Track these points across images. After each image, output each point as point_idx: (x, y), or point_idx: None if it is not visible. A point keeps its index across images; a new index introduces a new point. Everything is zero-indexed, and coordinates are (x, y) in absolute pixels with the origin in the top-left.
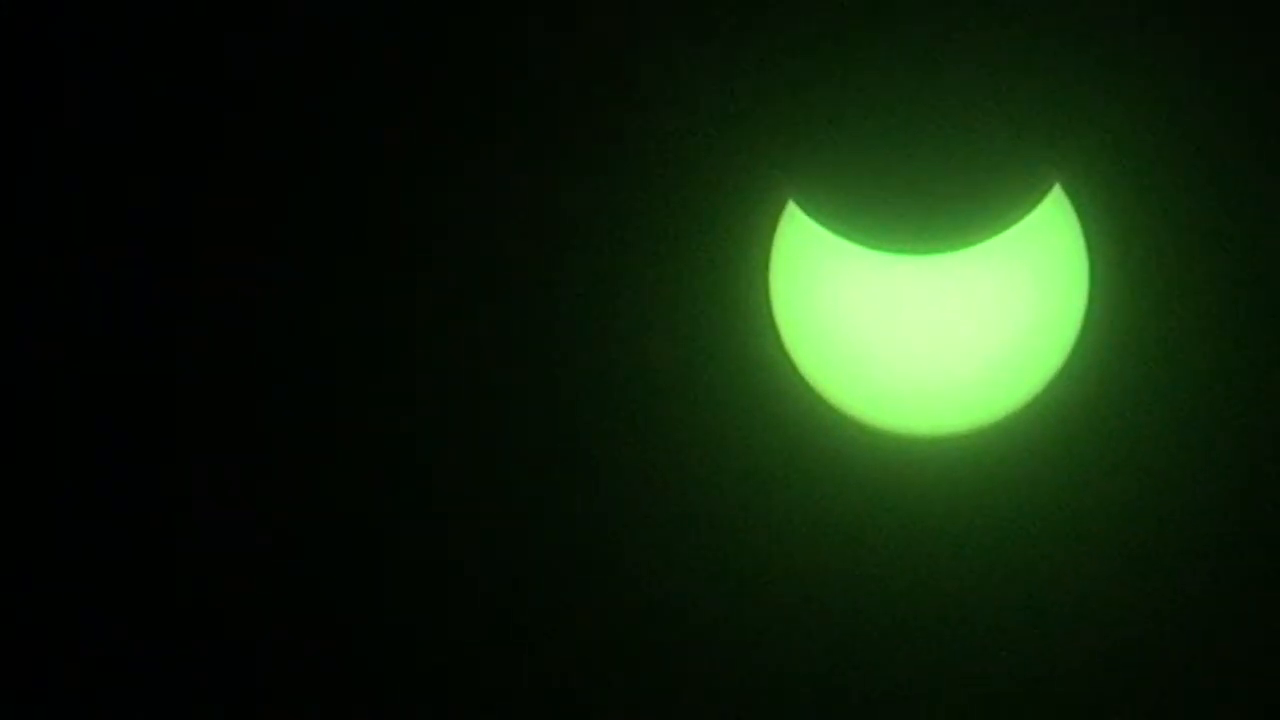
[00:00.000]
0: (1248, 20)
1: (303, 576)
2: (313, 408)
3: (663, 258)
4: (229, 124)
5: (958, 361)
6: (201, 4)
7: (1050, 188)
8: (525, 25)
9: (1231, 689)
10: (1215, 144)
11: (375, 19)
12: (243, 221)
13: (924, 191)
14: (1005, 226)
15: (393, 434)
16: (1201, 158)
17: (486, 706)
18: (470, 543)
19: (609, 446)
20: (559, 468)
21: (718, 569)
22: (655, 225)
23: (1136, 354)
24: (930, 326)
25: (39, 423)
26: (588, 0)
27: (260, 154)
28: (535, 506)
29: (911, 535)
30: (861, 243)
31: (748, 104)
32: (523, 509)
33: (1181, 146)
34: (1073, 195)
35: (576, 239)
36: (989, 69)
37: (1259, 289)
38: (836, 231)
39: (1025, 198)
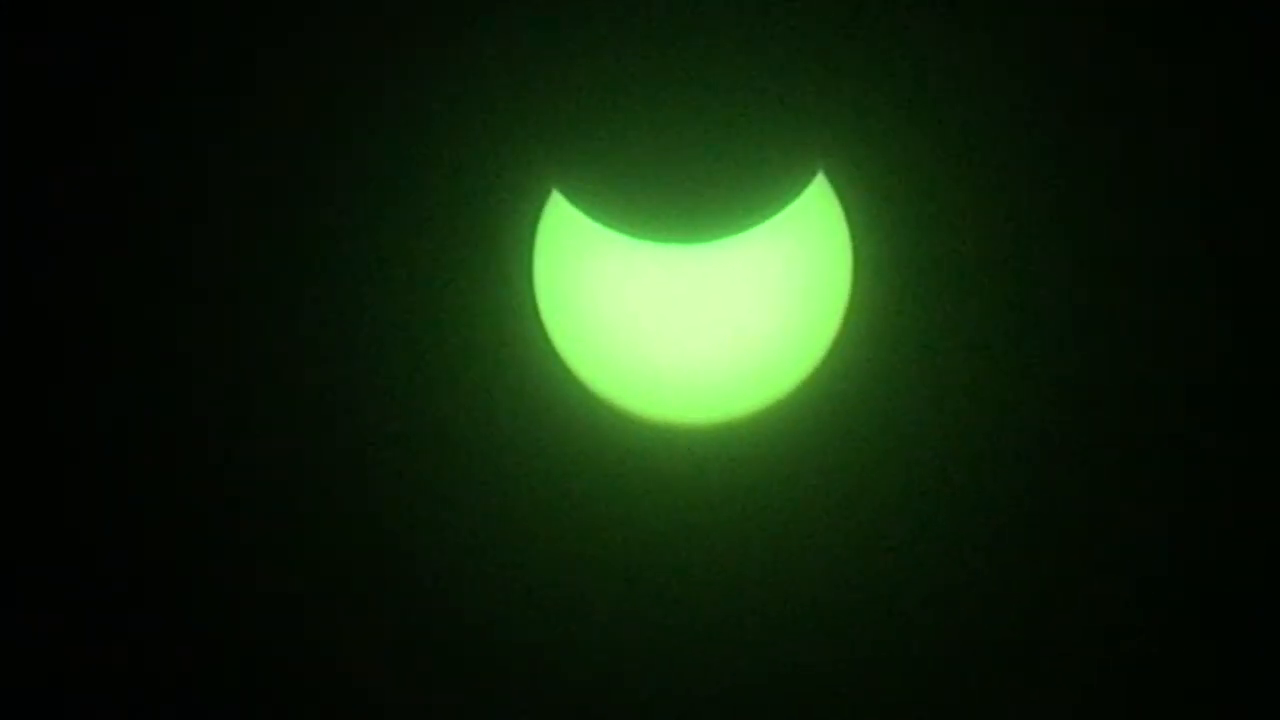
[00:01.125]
0: (1004, 7)
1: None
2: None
3: (426, 247)
4: None
5: (723, 350)
6: None
7: (813, 175)
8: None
9: (992, 672)
10: (976, 130)
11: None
12: None
13: (688, 180)
14: (769, 215)
15: (146, 441)
16: (962, 144)
17: (267, 706)
18: (231, 542)
19: (372, 438)
20: (321, 460)
21: (482, 560)
22: (419, 214)
23: (900, 339)
24: (695, 315)
25: None
26: None
27: None
28: (297, 501)
29: (679, 525)
30: (626, 232)
31: (510, 93)
32: (286, 505)
33: (942, 132)
34: (835, 182)
35: (338, 227)
36: (751, 57)
37: (1021, 274)
38: (601, 221)
39: (789, 186)
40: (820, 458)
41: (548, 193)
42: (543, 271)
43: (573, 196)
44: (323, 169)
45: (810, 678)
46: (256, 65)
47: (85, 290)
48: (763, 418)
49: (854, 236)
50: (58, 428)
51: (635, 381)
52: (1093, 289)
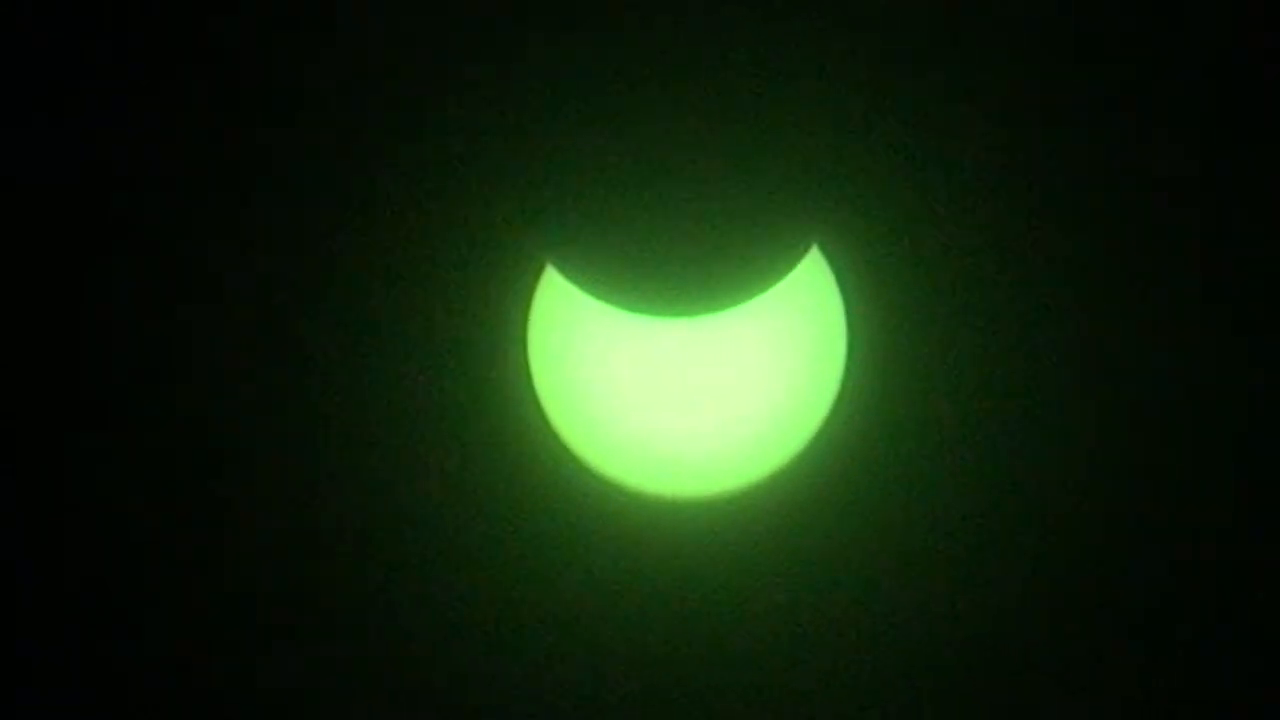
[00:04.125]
0: (996, 85)
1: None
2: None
3: (421, 321)
4: None
5: (717, 423)
6: None
7: (808, 249)
8: (300, 74)
9: None
10: (970, 205)
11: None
12: None
13: (682, 254)
14: (764, 288)
15: (132, 506)
16: (956, 218)
17: None
18: (224, 629)
19: (367, 512)
20: (318, 530)
21: (478, 632)
22: (414, 287)
23: (894, 413)
24: (690, 389)
25: None
26: (352, 60)
27: None
28: (288, 582)
29: (673, 598)
30: (621, 306)
31: (505, 167)
32: (278, 586)
33: (936, 206)
34: (829, 256)
35: (333, 303)
36: (745, 132)
37: (1016, 349)
38: (595, 295)
39: (782, 260)
40: (814, 531)
41: (542, 267)
42: (537, 345)
43: (567, 271)
44: (320, 245)
45: None
46: (256, 147)
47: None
48: (757, 491)
49: (848, 310)
50: None
51: (630, 455)
52: (1092, 370)
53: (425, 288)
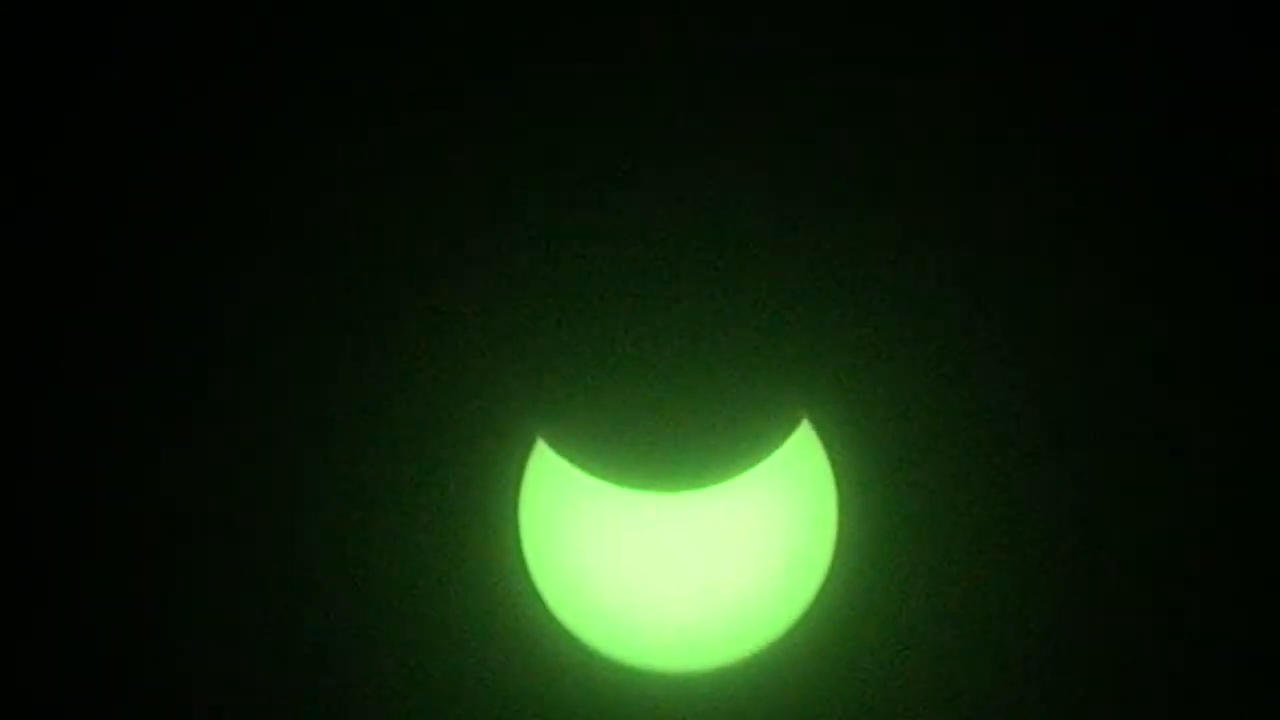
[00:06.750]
0: (984, 253)
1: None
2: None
3: (410, 496)
4: None
5: (709, 597)
6: None
7: (798, 424)
8: (291, 243)
9: None
10: (963, 377)
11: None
12: None
13: (672, 429)
14: (754, 463)
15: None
16: (949, 392)
17: None
18: None
19: (355, 683)
20: (302, 699)
21: None
22: (401, 462)
23: (886, 585)
24: (681, 562)
25: None
26: (346, 227)
27: None
28: None
29: None
30: (611, 480)
31: (495, 343)
32: None
33: (928, 380)
34: (820, 429)
35: (320, 481)
36: (733, 308)
37: (1012, 523)
38: (586, 469)
39: (773, 434)
40: (808, 704)
41: (533, 441)
42: (528, 519)
43: (558, 445)
44: (308, 416)
45: None
46: (246, 321)
47: None
48: (749, 664)
49: (839, 482)
50: None
51: (621, 629)
52: (1094, 535)
53: (416, 460)
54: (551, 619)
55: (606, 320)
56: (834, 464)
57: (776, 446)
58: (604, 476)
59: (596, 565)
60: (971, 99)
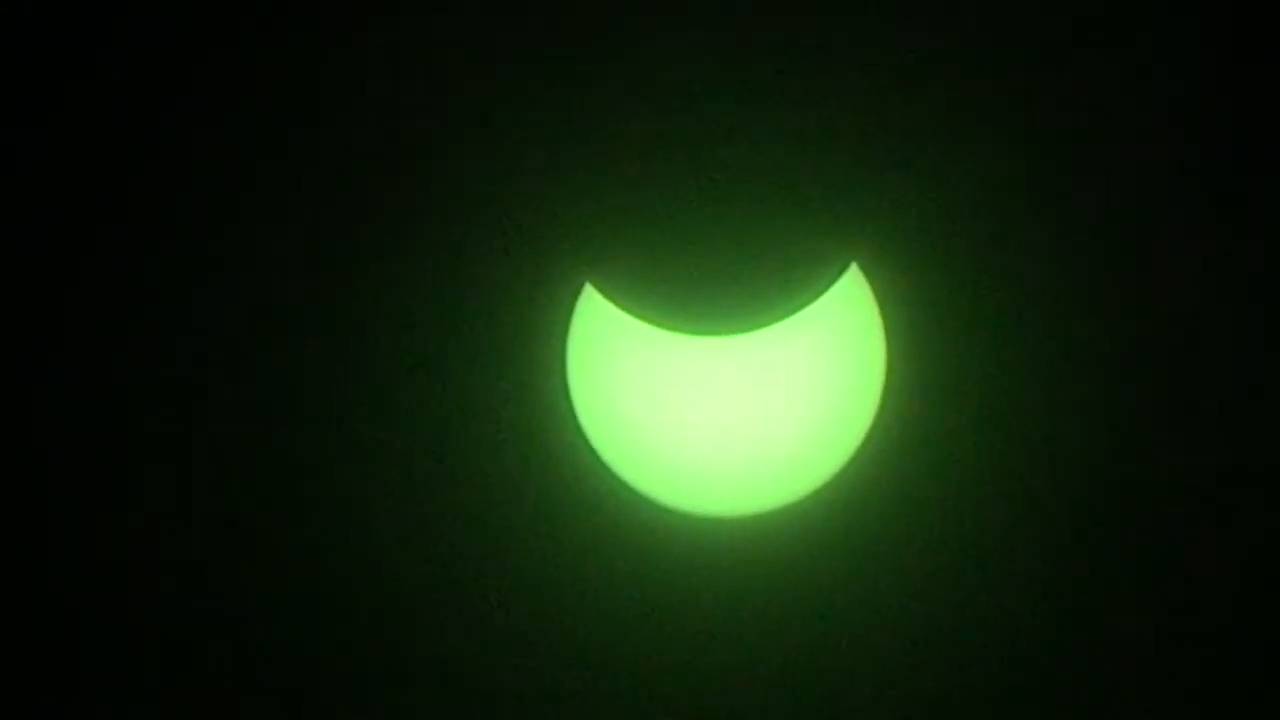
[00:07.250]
0: (1035, 105)
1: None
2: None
3: (460, 340)
4: None
5: (757, 441)
6: None
7: (847, 267)
8: (334, 99)
9: None
10: (1010, 222)
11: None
12: None
13: (721, 273)
14: (803, 306)
15: (173, 536)
16: (996, 235)
17: None
18: (245, 634)
19: (407, 531)
20: (350, 556)
21: (519, 653)
22: (452, 307)
23: (933, 429)
24: (729, 407)
25: None
26: (390, 80)
27: None
28: (318, 597)
29: (714, 616)
30: (659, 324)
31: (543, 188)
32: (308, 599)
33: (977, 224)
34: (869, 274)
35: (370, 323)
36: (784, 150)
37: (1055, 368)
38: (634, 314)
39: (822, 278)
40: (853, 549)
41: (581, 286)
42: (576, 364)
43: (606, 290)
44: (359, 265)
45: None
46: (291, 168)
47: None
48: (797, 509)
49: (887, 327)
50: None
51: (668, 473)
52: (1130, 382)
53: (465, 307)
54: (598, 462)
55: (655, 164)
56: (882, 309)
57: (825, 291)
58: (652, 320)
59: (644, 410)
60: None
